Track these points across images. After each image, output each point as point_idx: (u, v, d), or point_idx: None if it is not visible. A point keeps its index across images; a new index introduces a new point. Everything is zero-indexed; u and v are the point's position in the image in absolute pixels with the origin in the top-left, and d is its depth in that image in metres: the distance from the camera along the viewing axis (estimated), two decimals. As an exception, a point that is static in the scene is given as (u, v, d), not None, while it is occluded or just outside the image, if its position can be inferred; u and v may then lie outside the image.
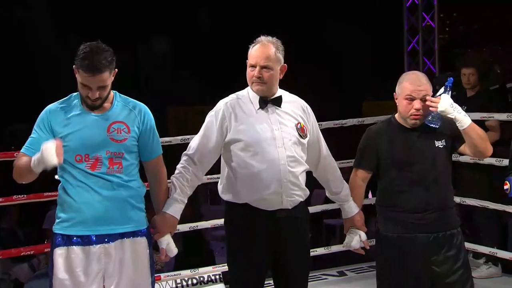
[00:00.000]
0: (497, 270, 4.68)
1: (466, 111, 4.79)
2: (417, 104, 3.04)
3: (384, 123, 3.24)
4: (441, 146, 3.10)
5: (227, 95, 3.07)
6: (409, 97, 3.05)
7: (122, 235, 2.80)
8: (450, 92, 3.02)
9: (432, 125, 3.06)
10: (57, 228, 2.81)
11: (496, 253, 4.56)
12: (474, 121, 4.57)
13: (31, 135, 2.82)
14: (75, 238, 2.77)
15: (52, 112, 2.81)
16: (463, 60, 5.16)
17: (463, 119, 3.01)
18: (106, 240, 2.78)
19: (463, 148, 3.14)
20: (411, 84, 3.06)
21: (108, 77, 2.74)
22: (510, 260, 4.55)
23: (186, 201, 2.98)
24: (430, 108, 3.02)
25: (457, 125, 3.02)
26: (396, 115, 3.19)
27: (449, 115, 2.99)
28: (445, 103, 2.98)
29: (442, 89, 3.03)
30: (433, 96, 3.06)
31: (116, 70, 2.79)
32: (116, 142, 2.79)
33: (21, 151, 2.82)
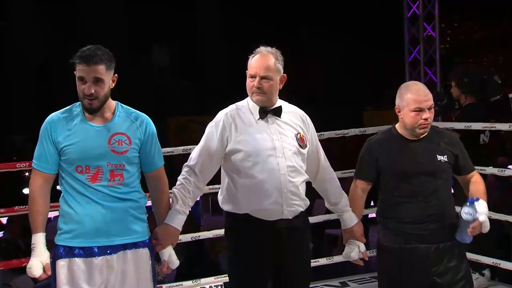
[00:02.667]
0: (485, 280, 4.65)
1: (461, 121, 4.81)
2: (425, 114, 3.06)
3: (385, 133, 3.24)
4: (443, 161, 3.10)
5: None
6: (418, 109, 3.06)
7: (124, 247, 2.79)
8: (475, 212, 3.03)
9: (466, 240, 3.08)
10: (58, 240, 2.80)
11: (499, 263, 4.53)
12: (474, 130, 4.61)
13: (37, 147, 2.81)
14: (77, 249, 2.76)
15: (53, 123, 2.80)
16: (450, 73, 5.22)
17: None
18: (108, 251, 2.77)
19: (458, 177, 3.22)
20: (417, 96, 3.07)
21: (105, 72, 2.73)
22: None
23: (188, 213, 2.98)
24: (470, 232, 3.01)
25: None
26: (397, 126, 3.19)
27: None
28: (486, 227, 3.01)
29: (465, 220, 3.03)
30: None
31: (116, 75, 2.79)
32: (117, 154, 2.78)
33: (32, 166, 2.83)
